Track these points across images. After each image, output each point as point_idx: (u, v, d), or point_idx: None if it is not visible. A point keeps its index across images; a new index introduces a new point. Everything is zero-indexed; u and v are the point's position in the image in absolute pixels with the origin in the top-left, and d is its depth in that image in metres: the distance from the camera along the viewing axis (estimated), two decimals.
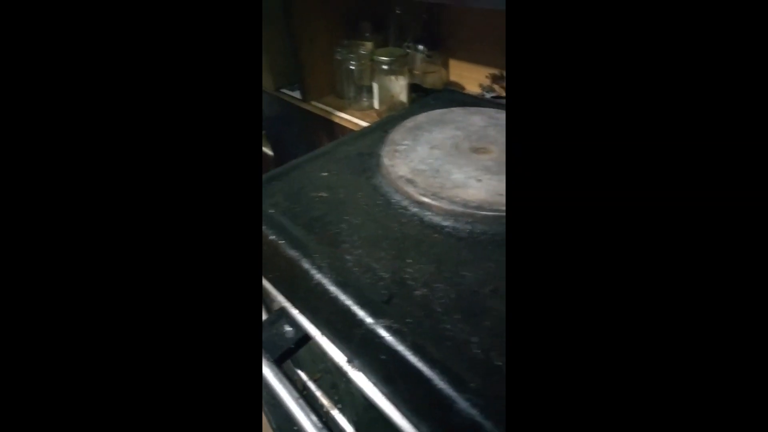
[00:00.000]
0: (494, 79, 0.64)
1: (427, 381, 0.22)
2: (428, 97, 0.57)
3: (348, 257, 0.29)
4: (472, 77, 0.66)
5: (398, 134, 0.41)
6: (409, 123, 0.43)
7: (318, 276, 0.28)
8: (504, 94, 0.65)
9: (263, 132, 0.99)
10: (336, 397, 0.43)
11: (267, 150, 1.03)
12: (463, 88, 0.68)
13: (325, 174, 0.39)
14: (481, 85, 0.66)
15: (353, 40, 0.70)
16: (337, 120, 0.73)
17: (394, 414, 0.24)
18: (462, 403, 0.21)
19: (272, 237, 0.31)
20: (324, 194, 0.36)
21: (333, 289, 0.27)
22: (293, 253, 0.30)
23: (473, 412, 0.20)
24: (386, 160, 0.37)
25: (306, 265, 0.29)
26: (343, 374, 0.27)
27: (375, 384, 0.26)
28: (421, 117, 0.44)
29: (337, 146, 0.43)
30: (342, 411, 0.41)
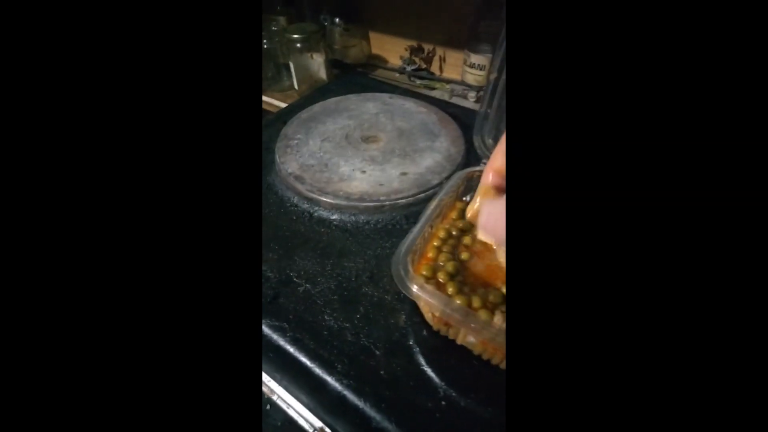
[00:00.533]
0: (413, 51, 0.64)
1: (306, 369, 0.25)
2: (329, 84, 0.57)
3: None
4: (394, 50, 0.65)
5: (291, 128, 0.41)
6: (304, 114, 0.43)
7: None
8: (423, 66, 0.65)
9: None
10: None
11: None
12: (386, 61, 0.67)
13: None
14: (401, 58, 0.65)
15: (264, 15, 0.65)
16: None
17: (291, 400, 0.27)
18: (332, 383, 0.24)
19: None
20: None
21: None
22: None
23: (340, 389, 0.24)
24: (278, 157, 0.37)
25: None
26: None
27: (272, 377, 0.28)
28: (317, 107, 0.44)
29: None
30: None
